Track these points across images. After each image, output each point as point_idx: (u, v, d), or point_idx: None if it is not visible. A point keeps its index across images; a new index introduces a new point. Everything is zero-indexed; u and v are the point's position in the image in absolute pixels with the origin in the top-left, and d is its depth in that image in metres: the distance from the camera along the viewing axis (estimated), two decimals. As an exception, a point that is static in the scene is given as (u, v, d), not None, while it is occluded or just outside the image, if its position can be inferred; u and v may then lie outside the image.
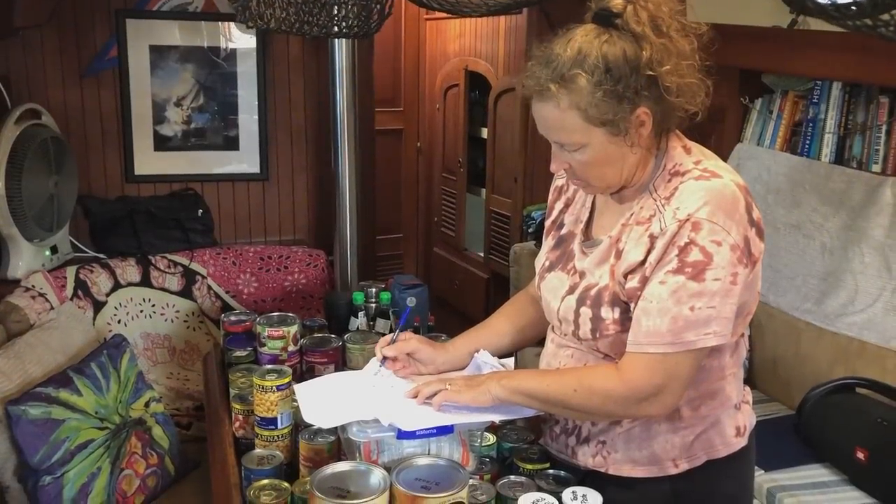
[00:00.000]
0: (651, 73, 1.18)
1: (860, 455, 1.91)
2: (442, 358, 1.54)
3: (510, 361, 1.58)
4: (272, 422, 1.63)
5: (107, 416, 2.04)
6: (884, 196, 2.20)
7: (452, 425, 1.43)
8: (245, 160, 3.28)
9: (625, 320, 1.27)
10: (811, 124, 2.60)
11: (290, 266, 3.15)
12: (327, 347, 1.98)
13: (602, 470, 1.38)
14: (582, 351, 1.37)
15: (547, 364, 1.45)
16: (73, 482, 1.90)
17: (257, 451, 1.59)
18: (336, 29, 1.51)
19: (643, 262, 1.23)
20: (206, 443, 2.48)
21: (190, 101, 3.17)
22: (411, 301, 2.43)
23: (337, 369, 1.98)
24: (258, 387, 1.62)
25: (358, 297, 2.35)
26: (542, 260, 1.47)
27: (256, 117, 3.27)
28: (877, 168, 2.38)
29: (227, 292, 3.06)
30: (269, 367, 1.71)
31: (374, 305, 2.39)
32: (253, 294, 3.09)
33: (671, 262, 1.19)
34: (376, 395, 1.50)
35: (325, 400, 1.53)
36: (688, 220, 1.18)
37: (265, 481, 1.44)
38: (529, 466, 1.52)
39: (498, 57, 3.69)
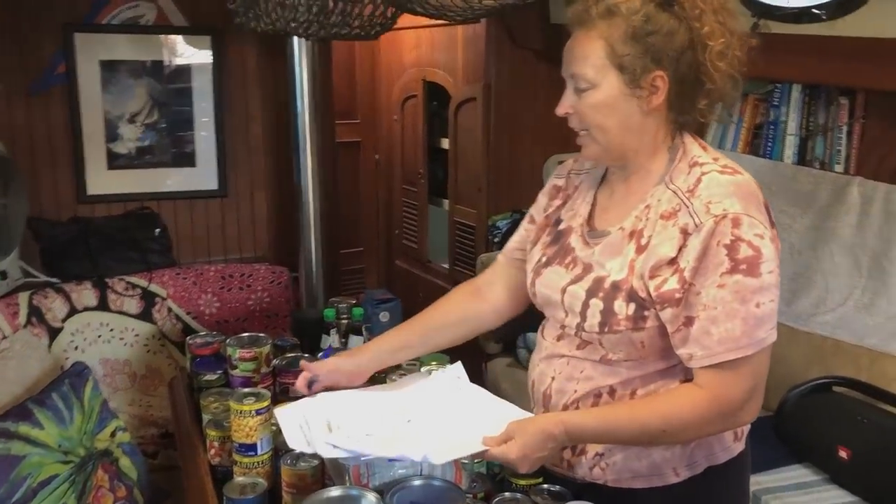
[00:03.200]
0: (687, 50, 1.21)
1: (842, 454, 1.92)
2: (350, 367, 1.58)
3: (457, 367, 1.58)
4: (251, 448, 1.56)
5: (71, 448, 1.93)
6: (850, 195, 2.24)
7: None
8: (202, 176, 3.18)
9: (637, 318, 1.23)
10: (772, 126, 2.64)
11: (252, 284, 3.07)
12: (301, 367, 1.92)
13: (601, 482, 1.35)
14: (577, 359, 1.34)
15: (541, 373, 1.41)
16: (36, 522, 1.80)
17: (238, 479, 1.52)
18: (347, 30, 1.47)
19: (674, 260, 1.20)
20: (175, 472, 2.38)
21: (144, 118, 3.07)
22: (384, 316, 2.38)
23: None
24: (236, 412, 1.55)
25: (329, 314, 2.28)
26: (536, 257, 1.43)
27: (213, 132, 3.18)
28: (839, 168, 2.42)
29: (188, 313, 2.96)
30: (245, 390, 1.63)
31: (346, 322, 2.33)
32: (215, 315, 3.00)
33: (722, 263, 1.16)
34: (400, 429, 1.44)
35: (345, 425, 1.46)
36: (725, 216, 1.16)
37: (250, 511, 1.37)
38: (522, 482, 1.48)
39: (457, 67, 3.66)
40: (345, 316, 2.34)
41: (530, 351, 3.05)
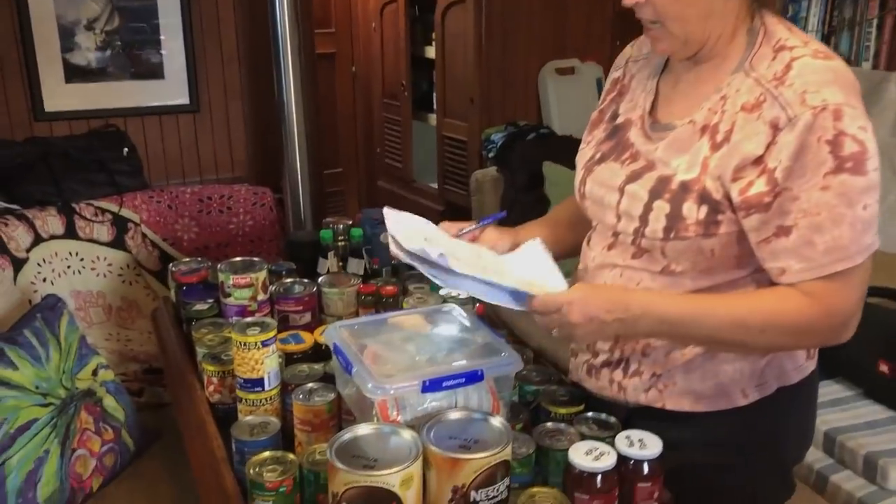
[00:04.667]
0: None
1: (883, 368, 1.82)
2: (505, 245, 1.34)
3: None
4: (258, 383, 1.40)
5: (49, 390, 1.74)
6: (888, 92, 2.07)
7: (482, 371, 1.23)
8: (172, 90, 2.91)
9: (709, 224, 1.07)
10: (792, 22, 2.45)
11: (233, 207, 2.84)
12: (302, 294, 1.75)
13: (657, 406, 1.21)
14: (632, 269, 1.18)
15: None
16: (17, 470, 1.62)
17: (247, 418, 1.35)
18: None
19: (761, 158, 1.03)
20: (163, 410, 2.22)
21: (103, 24, 2.76)
22: (385, 237, 2.18)
23: (313, 317, 1.76)
24: (239, 344, 1.38)
25: (326, 236, 2.09)
26: (588, 154, 1.26)
27: (182, 40, 2.89)
28: (867, 65, 2.26)
29: (164, 240, 2.74)
30: (248, 319, 1.46)
31: (343, 244, 2.14)
32: (194, 240, 2.78)
33: (824, 161, 1.00)
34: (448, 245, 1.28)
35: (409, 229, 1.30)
36: (825, 107, 0.99)
37: (265, 454, 1.22)
38: (563, 411, 1.34)
39: (442, -34, 3.39)
40: (342, 238, 2.15)
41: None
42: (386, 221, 1.29)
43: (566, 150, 3.06)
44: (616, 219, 1.18)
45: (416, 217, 1.34)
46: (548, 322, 1.11)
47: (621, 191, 1.17)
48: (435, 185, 3.76)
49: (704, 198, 1.07)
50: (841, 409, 1.85)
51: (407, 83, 3.83)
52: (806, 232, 1.02)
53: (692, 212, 1.08)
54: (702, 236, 1.08)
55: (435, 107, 3.69)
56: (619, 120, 1.24)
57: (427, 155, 3.85)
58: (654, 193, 1.12)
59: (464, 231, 1.36)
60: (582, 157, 1.28)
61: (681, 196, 1.09)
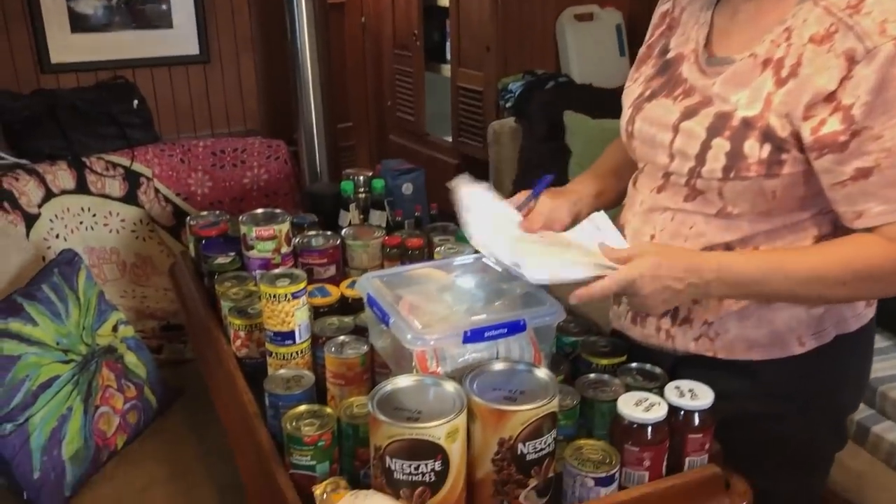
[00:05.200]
0: None
1: (926, 316, 1.77)
2: (563, 211, 1.29)
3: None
4: (289, 336, 1.35)
5: (70, 346, 1.70)
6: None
7: (524, 321, 1.18)
8: (180, 40, 2.83)
9: (773, 163, 1.01)
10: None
11: (247, 160, 2.78)
12: (326, 246, 1.70)
13: (708, 354, 1.16)
14: (685, 213, 1.12)
15: (635, 231, 1.19)
16: (40, 428, 1.59)
17: (279, 371, 1.31)
18: None
19: (834, 94, 0.96)
20: (184, 367, 2.19)
21: (108, -29, 2.67)
22: (407, 188, 2.14)
23: (338, 270, 1.71)
24: (268, 296, 1.33)
25: (347, 188, 2.04)
26: (636, 91, 1.20)
27: (190, -12, 2.79)
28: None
29: (177, 195, 2.68)
30: (277, 271, 1.41)
31: (364, 195, 2.09)
32: (208, 195, 2.72)
33: None
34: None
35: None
36: None
37: (301, 408, 1.17)
38: (605, 361, 1.30)
39: None
40: (363, 189, 2.10)
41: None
42: (459, 199, 1.25)
43: (586, 98, 3.00)
44: (668, 158, 1.11)
45: (485, 192, 1.27)
46: (613, 280, 1.04)
47: (675, 129, 1.10)
48: (449, 139, 3.67)
49: (768, 135, 1.01)
50: (882, 359, 1.81)
51: (419, 33, 3.72)
52: (889, 172, 0.95)
53: (754, 150, 1.02)
54: (764, 176, 1.02)
55: (448, 56, 3.58)
56: (670, 55, 1.17)
57: (440, 107, 3.76)
58: (713, 130, 1.05)
59: (520, 204, 1.29)
60: (629, 95, 1.21)
61: (742, 133, 1.03)
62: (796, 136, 1.00)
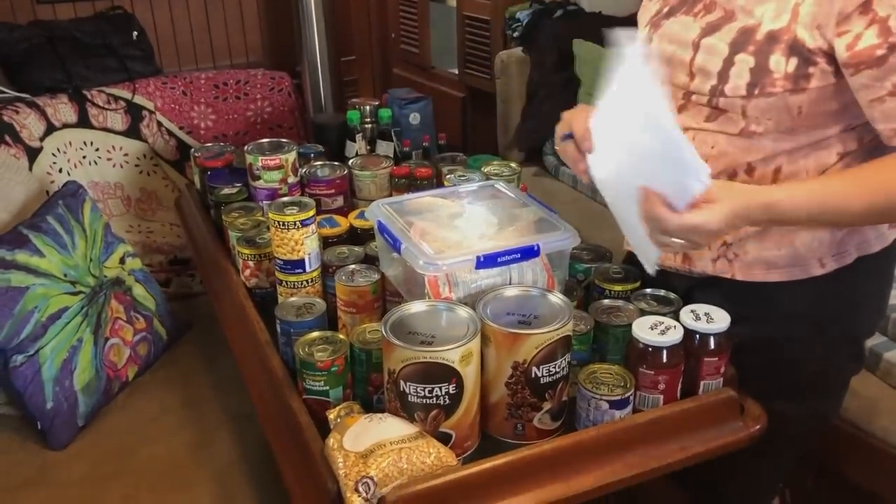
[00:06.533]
0: None
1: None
2: None
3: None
4: (299, 264, 1.34)
5: (78, 278, 1.69)
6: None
7: (538, 246, 1.16)
8: (179, -32, 2.74)
9: (799, 77, 0.97)
10: None
11: (250, 93, 2.72)
12: (334, 176, 1.68)
13: (726, 276, 1.14)
14: (706, 132, 1.08)
15: None
16: (51, 359, 1.59)
17: (291, 299, 1.30)
18: None
19: (868, 4, 0.92)
20: (192, 300, 2.19)
21: None
22: (415, 118, 2.09)
23: (345, 201, 1.69)
24: (277, 224, 1.31)
25: (354, 117, 2.00)
26: (653, 8, 1.15)
27: (186, -89, 2.70)
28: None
29: (181, 128, 2.63)
30: (286, 199, 1.39)
31: (371, 126, 2.05)
32: (211, 128, 2.68)
33: None
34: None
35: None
36: None
37: (314, 334, 1.17)
38: (619, 287, 1.29)
39: None
40: (370, 119, 2.06)
41: (560, 157, 2.83)
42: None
43: (596, 26, 2.88)
44: (689, 77, 1.08)
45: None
46: (689, 218, 0.95)
47: (696, 46, 1.06)
48: (455, 71, 3.60)
49: (794, 49, 0.97)
50: (894, 287, 1.79)
51: (423, -39, 3.61)
52: None
53: (780, 65, 0.98)
54: (790, 92, 0.98)
55: (454, -15, 3.49)
56: None
57: (446, 38, 3.67)
58: (736, 46, 1.01)
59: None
60: (645, 13, 1.17)
61: (767, 48, 0.98)
62: (827, 50, 0.96)
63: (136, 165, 2.57)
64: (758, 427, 1.12)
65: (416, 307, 1.10)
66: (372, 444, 0.97)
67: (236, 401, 1.73)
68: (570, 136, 1.13)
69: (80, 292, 1.68)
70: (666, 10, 1.13)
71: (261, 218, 1.55)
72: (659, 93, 0.94)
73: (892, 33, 0.92)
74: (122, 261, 1.84)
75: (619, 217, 1.14)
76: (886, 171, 0.97)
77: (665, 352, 1.08)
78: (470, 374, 1.02)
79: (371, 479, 0.93)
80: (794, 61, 0.97)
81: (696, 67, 1.06)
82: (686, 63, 1.07)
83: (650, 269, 1.10)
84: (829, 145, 1.05)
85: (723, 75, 1.02)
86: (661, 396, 1.10)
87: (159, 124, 2.60)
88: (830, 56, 0.96)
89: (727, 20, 1.04)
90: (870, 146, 1.06)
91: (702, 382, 1.12)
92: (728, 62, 1.02)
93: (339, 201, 1.69)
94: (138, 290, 1.86)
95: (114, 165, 2.53)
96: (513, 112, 3.01)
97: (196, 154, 1.87)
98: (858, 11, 0.93)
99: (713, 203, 0.94)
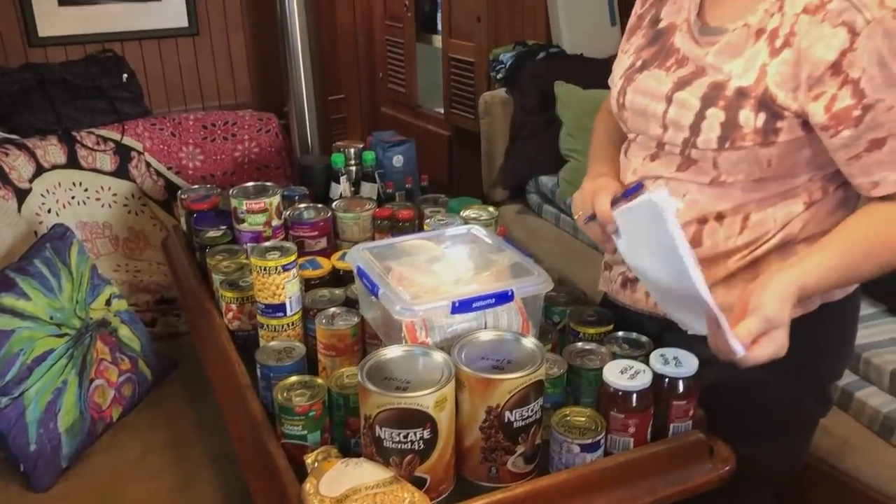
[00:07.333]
0: None
1: (911, 283, 1.78)
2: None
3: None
4: (280, 308, 1.36)
5: (64, 320, 1.72)
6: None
7: (512, 291, 1.20)
8: (169, 12, 2.80)
9: (768, 132, 1.01)
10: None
11: (238, 134, 2.77)
12: (317, 218, 1.71)
13: None
14: (679, 181, 1.12)
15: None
16: (36, 401, 1.60)
17: (271, 343, 1.33)
18: None
19: (836, 66, 0.96)
20: (177, 339, 2.21)
21: (94, -58, 2.64)
22: (398, 160, 2.14)
23: (329, 242, 1.72)
24: (259, 269, 1.34)
25: (338, 160, 2.04)
26: (627, 62, 1.20)
27: (177, -42, 2.77)
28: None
29: (169, 168, 2.68)
30: (267, 244, 1.42)
31: (355, 168, 2.09)
32: (199, 168, 2.72)
33: None
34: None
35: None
36: None
37: (293, 379, 1.19)
38: (592, 331, 1.32)
39: None
40: (354, 162, 2.10)
41: (542, 195, 2.88)
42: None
43: (577, 69, 2.98)
44: (662, 129, 1.12)
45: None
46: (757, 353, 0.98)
47: (669, 99, 1.10)
48: (441, 110, 3.66)
49: (763, 104, 1.01)
50: (866, 326, 1.83)
51: (410, 3, 3.68)
52: None
53: (749, 120, 1.02)
54: (759, 145, 1.03)
55: (440, 27, 3.56)
56: (662, 24, 1.17)
57: (432, 78, 3.74)
58: (707, 100, 1.05)
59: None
60: (620, 66, 1.21)
61: (737, 103, 1.03)
62: (797, 111, 1.00)
63: (125, 205, 2.61)
64: (727, 469, 1.14)
65: (392, 352, 1.12)
66: (347, 489, 0.99)
67: (219, 441, 1.74)
68: (593, 218, 1.16)
69: (66, 334, 1.70)
70: (639, 63, 1.17)
71: (245, 261, 1.58)
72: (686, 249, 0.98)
73: (865, 95, 0.96)
74: (108, 302, 1.87)
75: (653, 287, 1.15)
76: (882, 223, 1.02)
77: (635, 395, 1.11)
78: (444, 418, 1.04)
79: (346, 523, 0.95)
80: (762, 116, 1.02)
81: (668, 120, 1.11)
82: (659, 116, 1.12)
83: (692, 331, 1.10)
84: (797, 195, 1.09)
85: (694, 128, 1.07)
86: (632, 439, 1.12)
87: (148, 165, 2.64)
88: (799, 114, 1.01)
89: (698, 75, 1.08)
90: (834, 195, 1.10)
91: (671, 425, 1.15)
92: (699, 116, 1.06)
93: (323, 243, 1.72)
94: (124, 332, 1.88)
95: (102, 205, 2.56)
96: (497, 151, 3.07)
97: (183, 196, 1.90)
98: (829, 73, 0.97)
99: (756, 312, 0.96)
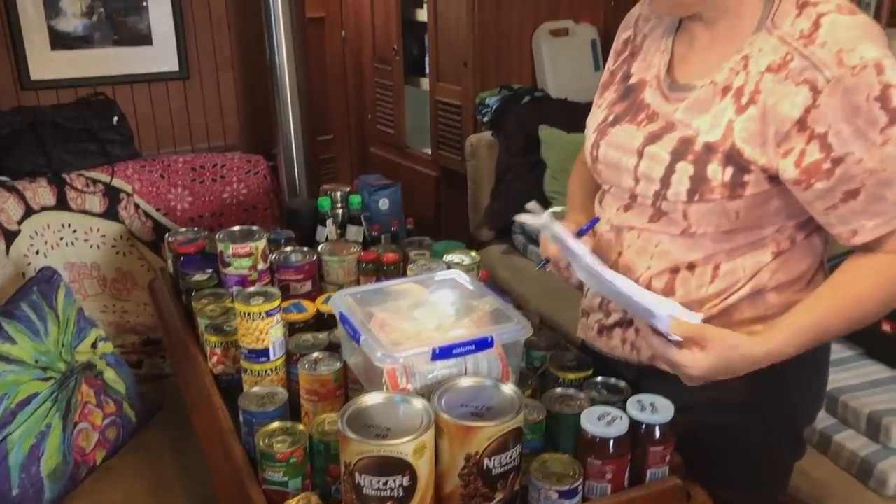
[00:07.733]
0: None
1: (886, 328, 1.82)
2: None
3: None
4: (263, 353, 1.38)
5: (49, 364, 1.72)
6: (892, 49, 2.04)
7: (491, 338, 1.22)
8: (160, 57, 2.85)
9: (735, 185, 1.05)
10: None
11: (226, 175, 2.80)
12: (302, 262, 1.73)
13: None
14: (651, 231, 1.16)
15: (604, 251, 1.23)
16: (19, 445, 1.60)
17: (254, 389, 1.34)
18: None
19: (803, 122, 1.00)
20: (163, 382, 2.21)
21: (87, -11, 2.70)
22: (384, 203, 2.17)
23: (314, 286, 1.74)
24: (243, 314, 1.36)
25: (324, 203, 2.07)
26: (600, 116, 1.23)
27: (169, 5, 2.82)
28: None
29: (157, 210, 2.70)
30: (251, 289, 1.44)
31: (342, 211, 2.12)
32: (188, 210, 2.74)
33: (878, 118, 0.97)
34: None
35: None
36: (864, 65, 0.95)
37: (274, 425, 1.20)
38: (572, 376, 1.34)
39: (432, -73, 3.31)
40: (340, 205, 2.13)
41: (527, 235, 2.92)
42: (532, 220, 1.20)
43: (561, 112, 3.05)
44: (634, 182, 1.15)
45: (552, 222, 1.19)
46: (675, 355, 1.06)
47: (640, 153, 1.14)
48: (428, 151, 3.71)
49: (731, 158, 1.05)
50: (843, 369, 1.86)
51: (399, 47, 3.76)
52: (875, 189, 1.00)
53: (717, 174, 1.06)
54: (727, 198, 1.06)
55: (427, 71, 3.63)
56: (633, 80, 1.21)
57: (420, 120, 3.80)
58: (676, 155, 1.09)
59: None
60: (593, 120, 1.25)
61: (705, 157, 1.07)
62: (765, 165, 1.04)
63: (113, 246, 2.62)
64: (704, 514, 1.16)
65: (372, 399, 1.14)
66: (327, 536, 1.00)
67: (203, 485, 1.73)
68: (546, 262, 1.29)
69: (51, 378, 1.71)
70: (612, 118, 1.21)
71: (230, 305, 1.60)
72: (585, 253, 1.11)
73: (832, 149, 0.99)
74: (94, 345, 1.87)
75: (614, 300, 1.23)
76: (865, 279, 1.06)
77: (612, 442, 1.13)
78: (423, 465, 1.05)
79: (324, 572, 0.96)
80: (730, 170, 1.05)
81: (640, 173, 1.14)
82: (631, 169, 1.15)
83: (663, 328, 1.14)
84: (765, 245, 1.12)
85: (665, 181, 1.10)
86: (609, 485, 1.14)
87: (136, 206, 2.66)
88: (766, 169, 1.04)
89: (668, 130, 1.12)
90: (802, 245, 1.14)
91: (648, 471, 1.16)
92: (669, 170, 1.10)
93: (308, 286, 1.74)
94: (109, 374, 1.89)
95: (91, 246, 2.58)
96: (483, 192, 3.11)
97: (170, 239, 1.92)
98: (796, 129, 1.01)
99: (702, 348, 1.03)
